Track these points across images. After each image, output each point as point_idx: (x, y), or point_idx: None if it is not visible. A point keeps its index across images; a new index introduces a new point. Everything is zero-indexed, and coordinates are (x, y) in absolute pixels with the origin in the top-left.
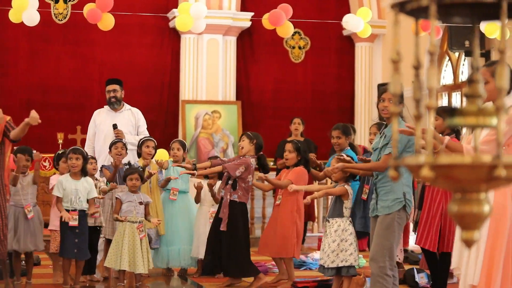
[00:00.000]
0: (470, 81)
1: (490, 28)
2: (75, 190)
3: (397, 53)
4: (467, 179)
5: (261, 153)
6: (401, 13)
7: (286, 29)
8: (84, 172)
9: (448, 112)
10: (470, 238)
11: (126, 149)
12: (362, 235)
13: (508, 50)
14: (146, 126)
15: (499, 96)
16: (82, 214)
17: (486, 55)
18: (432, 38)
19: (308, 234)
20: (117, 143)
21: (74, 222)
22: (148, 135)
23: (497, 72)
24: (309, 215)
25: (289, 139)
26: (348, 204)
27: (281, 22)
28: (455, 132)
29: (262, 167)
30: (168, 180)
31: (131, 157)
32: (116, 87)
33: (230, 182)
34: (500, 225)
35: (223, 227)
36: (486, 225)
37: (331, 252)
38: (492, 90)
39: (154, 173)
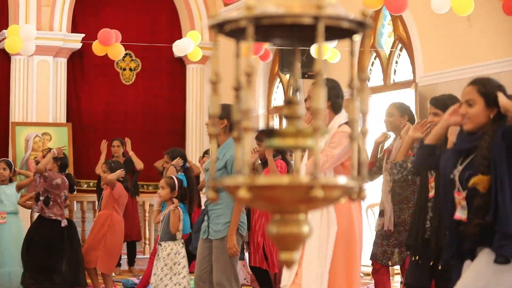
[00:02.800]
0: (289, 102)
1: (324, 49)
2: None
3: (216, 75)
4: (285, 200)
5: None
6: (221, 35)
7: (116, 51)
8: None
9: (266, 133)
10: (290, 259)
11: None
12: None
13: (325, 72)
14: None
15: (316, 117)
16: None
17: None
18: (250, 59)
19: (139, 256)
20: None
21: None
22: None
23: (314, 93)
24: (136, 234)
25: (112, 160)
26: (180, 226)
27: (111, 42)
28: (281, 153)
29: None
30: None
31: None
32: None
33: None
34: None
35: None
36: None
37: (164, 275)
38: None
39: None
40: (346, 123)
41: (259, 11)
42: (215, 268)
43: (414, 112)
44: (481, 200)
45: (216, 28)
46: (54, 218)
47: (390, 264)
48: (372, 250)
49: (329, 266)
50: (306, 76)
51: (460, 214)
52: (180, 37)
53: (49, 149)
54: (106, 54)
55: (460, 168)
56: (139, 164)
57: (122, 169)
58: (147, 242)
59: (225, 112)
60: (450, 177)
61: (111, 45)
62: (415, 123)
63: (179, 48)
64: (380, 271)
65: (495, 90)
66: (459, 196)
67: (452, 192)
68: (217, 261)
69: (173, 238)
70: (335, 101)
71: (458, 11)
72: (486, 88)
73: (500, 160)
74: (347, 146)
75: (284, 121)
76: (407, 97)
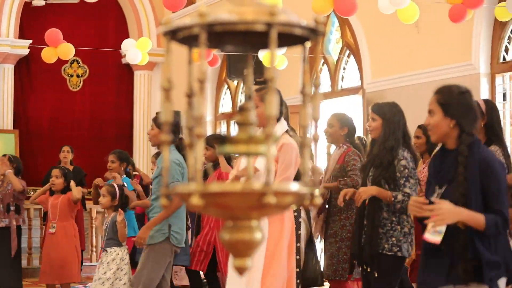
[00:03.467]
0: (241, 109)
1: (267, 57)
2: None
3: (168, 81)
4: (238, 207)
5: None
6: (174, 41)
7: (66, 51)
8: None
9: (218, 140)
10: (243, 266)
11: None
12: None
13: (278, 78)
14: None
15: (268, 123)
16: None
17: (264, 83)
18: (202, 66)
19: (86, 263)
20: None
21: None
22: None
23: (266, 100)
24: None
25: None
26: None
27: (59, 41)
28: (226, 159)
29: None
30: None
31: None
32: None
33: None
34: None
35: None
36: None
37: (106, 279)
38: (261, 114)
39: None
40: (287, 131)
41: (212, 18)
42: (138, 269)
43: (361, 118)
44: (463, 237)
45: (168, 35)
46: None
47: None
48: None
49: (259, 276)
50: (255, 82)
51: (433, 237)
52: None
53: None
54: (55, 59)
55: (440, 191)
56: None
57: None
58: (94, 249)
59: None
60: (431, 199)
61: (59, 45)
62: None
63: (128, 54)
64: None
65: (453, 99)
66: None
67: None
68: (144, 266)
69: (119, 244)
70: (277, 109)
71: (403, 19)
72: (444, 98)
73: (475, 194)
74: (295, 158)
75: (236, 128)
76: (355, 104)
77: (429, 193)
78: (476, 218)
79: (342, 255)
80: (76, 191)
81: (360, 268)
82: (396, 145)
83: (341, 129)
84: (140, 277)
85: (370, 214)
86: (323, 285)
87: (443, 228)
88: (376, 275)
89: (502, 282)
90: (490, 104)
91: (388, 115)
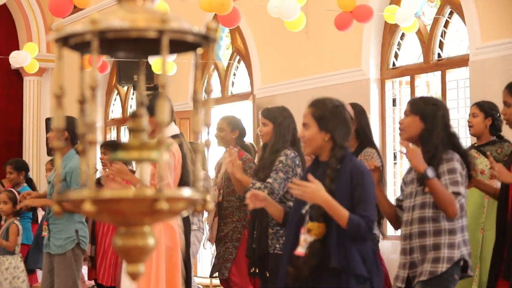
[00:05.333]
0: (134, 115)
1: (157, 63)
2: None
3: (60, 88)
4: (131, 213)
5: None
6: (66, 48)
7: None
8: None
9: (111, 146)
10: (136, 271)
11: None
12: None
13: (170, 84)
14: None
15: (160, 130)
16: None
17: (154, 88)
18: (94, 73)
19: None
20: None
21: None
22: None
23: (158, 106)
24: None
25: None
26: (19, 240)
27: None
28: (126, 164)
29: None
30: None
31: None
32: None
33: None
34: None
35: None
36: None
37: None
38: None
39: None
40: (172, 136)
41: (104, 25)
42: (56, 283)
43: (252, 124)
44: (316, 246)
45: (60, 41)
46: None
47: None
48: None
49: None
50: (146, 88)
51: (302, 250)
52: (17, 48)
53: None
54: None
55: (310, 204)
56: None
57: None
58: None
59: (66, 124)
60: (301, 212)
61: None
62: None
63: (16, 59)
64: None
65: (328, 113)
66: (304, 231)
67: (299, 227)
68: (58, 276)
69: (11, 252)
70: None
71: (290, 27)
72: (319, 112)
73: (344, 203)
74: (172, 163)
75: (129, 134)
76: (245, 109)
77: (300, 203)
78: (340, 211)
79: (228, 255)
80: None
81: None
82: (282, 148)
83: (232, 132)
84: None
85: (259, 215)
86: None
87: (311, 239)
88: (268, 275)
89: None
90: (358, 108)
91: (279, 119)
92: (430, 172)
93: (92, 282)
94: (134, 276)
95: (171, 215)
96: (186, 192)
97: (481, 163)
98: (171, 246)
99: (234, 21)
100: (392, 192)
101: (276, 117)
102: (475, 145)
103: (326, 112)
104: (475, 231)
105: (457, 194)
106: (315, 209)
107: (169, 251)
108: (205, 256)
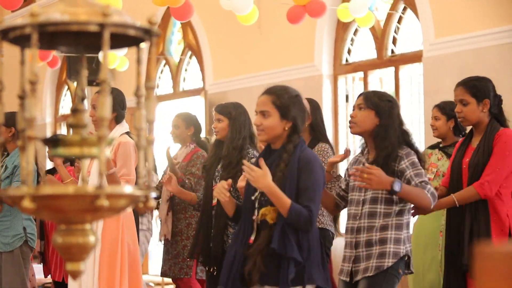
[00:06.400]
0: (75, 110)
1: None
2: None
3: (0, 83)
4: (71, 210)
5: None
6: (6, 42)
7: None
8: None
9: (51, 142)
10: (76, 269)
11: None
12: None
13: (113, 80)
14: None
15: (100, 125)
16: None
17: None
18: (33, 67)
19: None
20: None
21: None
22: None
23: (98, 102)
24: None
25: None
26: None
27: None
28: (70, 161)
29: None
30: None
31: None
32: None
33: None
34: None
35: None
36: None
37: None
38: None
39: None
40: (127, 133)
41: (43, 18)
42: (4, 281)
43: (204, 120)
44: (268, 232)
45: (0, 34)
46: None
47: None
48: (161, 267)
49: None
50: (95, 83)
51: (253, 237)
52: None
53: None
54: None
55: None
56: None
57: None
58: None
59: (13, 120)
60: (251, 199)
61: None
62: None
63: None
64: (179, 285)
65: (290, 102)
66: (254, 219)
67: (252, 214)
68: (6, 274)
69: None
70: (120, 112)
71: (243, 20)
72: (281, 100)
73: (291, 190)
74: (133, 156)
75: (70, 130)
76: (197, 105)
77: (250, 191)
78: (282, 200)
79: (187, 253)
80: None
81: (207, 268)
82: (243, 144)
83: (187, 129)
84: (18, 286)
85: (217, 214)
86: None
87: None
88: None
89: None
90: (313, 104)
91: (234, 115)
92: (397, 186)
93: (49, 279)
94: (74, 274)
95: (112, 212)
96: (128, 189)
97: (443, 165)
98: (130, 242)
99: (187, 14)
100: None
101: (231, 113)
102: (440, 146)
103: (288, 101)
104: (435, 233)
105: (424, 183)
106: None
107: (129, 247)
108: (156, 254)
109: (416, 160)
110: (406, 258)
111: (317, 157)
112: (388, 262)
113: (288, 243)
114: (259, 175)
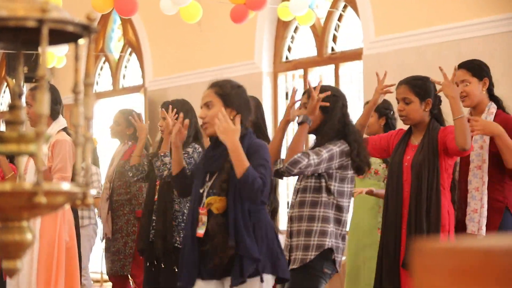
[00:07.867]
0: (12, 107)
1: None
2: None
3: None
4: (8, 207)
5: None
6: None
7: None
8: None
9: None
10: (13, 267)
11: None
12: None
13: (52, 77)
14: None
15: (39, 122)
16: None
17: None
18: None
19: None
20: None
21: None
22: None
23: (37, 98)
24: None
25: None
26: None
27: None
28: (10, 158)
29: None
30: None
31: None
32: None
33: None
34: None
35: None
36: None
37: None
38: (33, 113)
39: None
40: (64, 129)
41: None
42: None
43: (144, 117)
44: (215, 222)
45: None
46: None
47: (123, 273)
48: (106, 264)
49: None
50: (34, 80)
51: (201, 230)
52: None
53: None
54: None
55: (209, 184)
56: None
57: None
58: None
59: None
60: (200, 192)
61: None
62: None
63: None
64: (117, 283)
65: (233, 91)
66: (202, 211)
67: (199, 206)
68: None
69: None
70: (53, 108)
71: (186, 17)
72: (224, 90)
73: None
74: (70, 153)
75: (6, 126)
76: (137, 102)
77: (199, 180)
78: (243, 159)
79: (129, 250)
80: None
81: (147, 263)
82: (186, 142)
83: (127, 129)
84: None
85: (160, 208)
86: None
87: (205, 220)
88: (176, 269)
89: (267, 278)
90: (255, 101)
91: (180, 113)
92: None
93: None
94: (11, 273)
95: (50, 209)
96: (65, 186)
97: (374, 163)
98: (68, 238)
99: (131, 10)
100: (285, 185)
101: (178, 111)
102: None
103: (230, 90)
104: (373, 231)
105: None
106: (217, 183)
107: (67, 244)
108: (94, 251)
109: (333, 148)
110: (332, 256)
111: (265, 145)
112: (311, 255)
113: (247, 239)
114: (229, 129)
